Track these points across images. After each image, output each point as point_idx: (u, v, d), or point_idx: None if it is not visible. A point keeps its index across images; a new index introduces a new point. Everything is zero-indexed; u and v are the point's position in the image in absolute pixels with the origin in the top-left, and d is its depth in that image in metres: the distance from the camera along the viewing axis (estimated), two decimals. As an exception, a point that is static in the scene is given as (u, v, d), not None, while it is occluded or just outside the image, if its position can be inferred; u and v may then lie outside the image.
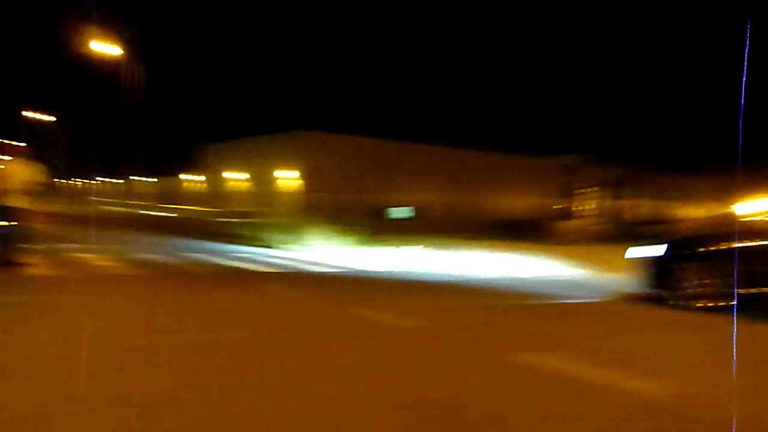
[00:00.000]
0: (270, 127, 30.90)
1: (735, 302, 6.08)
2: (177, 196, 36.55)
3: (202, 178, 34.17)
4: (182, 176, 36.66)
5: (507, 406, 3.06)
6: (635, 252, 7.41)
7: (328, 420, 2.76)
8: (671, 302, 6.63)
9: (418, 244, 15.09)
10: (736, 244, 6.33)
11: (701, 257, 6.62)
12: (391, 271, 10.39)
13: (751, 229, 6.58)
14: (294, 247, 14.67)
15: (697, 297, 6.49)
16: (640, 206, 33.32)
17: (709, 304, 6.32)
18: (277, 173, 26.63)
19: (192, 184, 35.40)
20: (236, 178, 29.97)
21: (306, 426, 2.68)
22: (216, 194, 31.61)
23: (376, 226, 22.58)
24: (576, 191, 33.97)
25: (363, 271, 10.41)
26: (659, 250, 7.03)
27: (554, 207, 32.67)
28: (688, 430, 2.83)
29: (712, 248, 6.59)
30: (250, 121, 43.88)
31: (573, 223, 27.77)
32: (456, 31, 58.87)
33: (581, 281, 9.75)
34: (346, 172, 26.20)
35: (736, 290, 6.15)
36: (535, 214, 30.22)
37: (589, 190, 32.99)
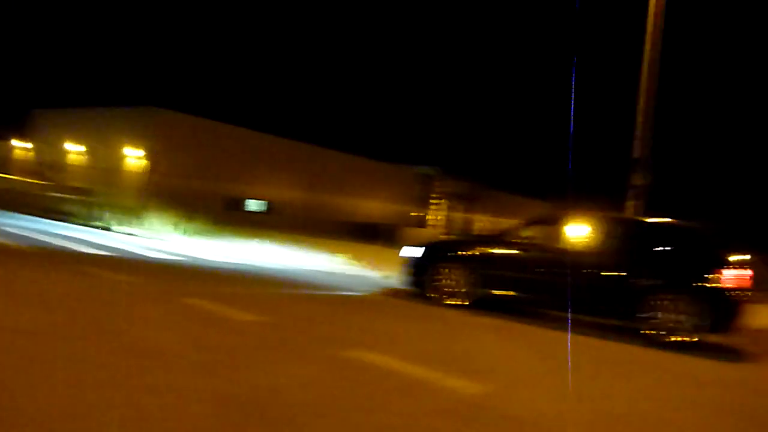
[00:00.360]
0: (118, 100, 28.74)
1: (468, 302, 7.45)
2: (6, 163, 32.51)
3: (37, 146, 30.74)
4: (14, 142, 32.64)
5: (324, 399, 3.31)
6: (405, 251, 8.45)
7: (127, 412, 2.75)
8: (431, 295, 7.71)
9: (266, 238, 15.08)
10: (475, 251, 7.71)
11: (449, 260, 7.83)
12: (231, 263, 10.36)
13: (490, 239, 8.03)
14: (134, 230, 13.92)
15: (445, 294, 7.69)
16: (483, 220, 36.25)
17: (456, 302, 7.55)
18: (122, 150, 24.84)
19: (25, 152, 31.72)
20: (76, 150, 27.42)
21: (101, 418, 2.63)
22: (52, 166, 28.63)
23: (225, 217, 22.06)
24: (431, 201, 36.02)
25: (202, 261, 10.26)
26: (419, 251, 8.18)
27: (412, 214, 34.45)
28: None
29: (458, 253, 7.88)
30: (97, 91, 40.28)
31: (423, 231, 29.50)
32: (327, 31, 59.31)
33: (369, 277, 10.56)
34: (200, 158, 25.20)
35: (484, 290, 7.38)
36: (391, 220, 31.59)
37: (440, 201, 35.18)
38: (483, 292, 7.52)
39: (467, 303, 7.51)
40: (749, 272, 6.74)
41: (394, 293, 8.43)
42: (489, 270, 7.55)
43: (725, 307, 6.53)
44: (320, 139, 31.65)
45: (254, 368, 3.74)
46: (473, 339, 5.88)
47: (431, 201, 36.47)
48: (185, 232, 14.03)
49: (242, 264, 10.39)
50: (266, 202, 29.05)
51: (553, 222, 8.01)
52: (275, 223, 25.69)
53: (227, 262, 10.38)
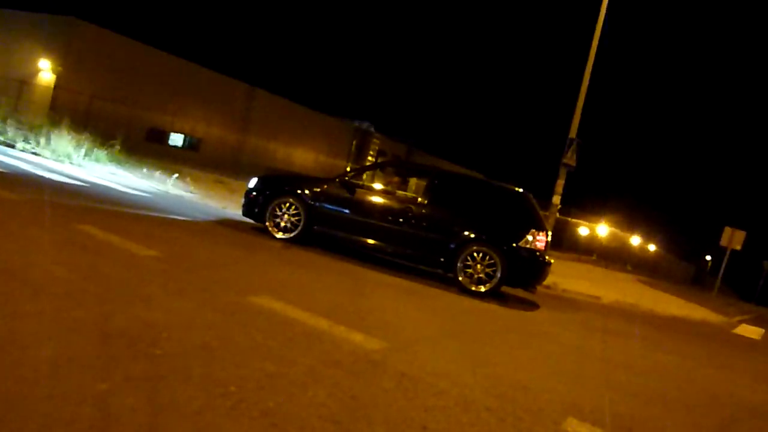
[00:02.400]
0: (35, 3, 26.54)
1: (296, 236, 8.02)
2: None
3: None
4: None
5: (212, 341, 3.38)
6: (251, 182, 8.75)
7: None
8: (269, 227, 8.15)
9: (183, 175, 14.62)
10: (315, 189, 8.19)
11: (286, 194, 8.22)
12: (135, 194, 10.03)
13: (332, 180, 8.41)
14: (40, 150, 13.11)
15: (278, 228, 8.16)
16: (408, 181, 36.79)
17: (287, 236, 8.08)
18: (36, 63, 23.08)
19: None
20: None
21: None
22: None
23: (145, 148, 21.15)
24: (367, 158, 36.03)
25: (106, 189, 9.87)
26: (252, 182, 8.59)
27: (347, 170, 34.45)
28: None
29: (286, 188, 8.30)
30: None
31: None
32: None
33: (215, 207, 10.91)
34: (124, 82, 23.86)
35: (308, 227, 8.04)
36: (324, 173, 31.38)
37: (373, 157, 35.24)
38: (319, 230, 8.07)
39: (294, 236, 8.07)
40: (548, 237, 7.93)
41: (233, 223, 8.82)
42: (327, 210, 8.08)
43: (532, 266, 7.66)
44: (258, 80, 30.78)
45: (151, 305, 3.68)
46: (341, 289, 6.03)
47: (368, 157, 36.52)
48: (97, 158, 13.36)
49: (145, 195, 10.11)
50: (193, 138, 28.07)
51: (396, 171, 8.98)
52: (198, 161, 24.91)
53: (131, 193, 10.05)
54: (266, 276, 5.64)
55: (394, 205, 8.10)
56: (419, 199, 8.09)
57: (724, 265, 19.05)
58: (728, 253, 18.29)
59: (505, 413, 3.25)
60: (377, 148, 36.19)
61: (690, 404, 4.52)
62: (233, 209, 10.80)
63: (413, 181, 9.63)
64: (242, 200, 8.68)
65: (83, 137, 13.52)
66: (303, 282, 5.79)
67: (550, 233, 8.26)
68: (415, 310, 5.74)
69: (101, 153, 13.66)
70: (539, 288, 8.31)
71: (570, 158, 11.96)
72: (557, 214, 12.53)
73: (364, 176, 8.99)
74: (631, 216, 45.44)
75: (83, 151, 13.11)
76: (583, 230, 38.46)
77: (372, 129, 36.63)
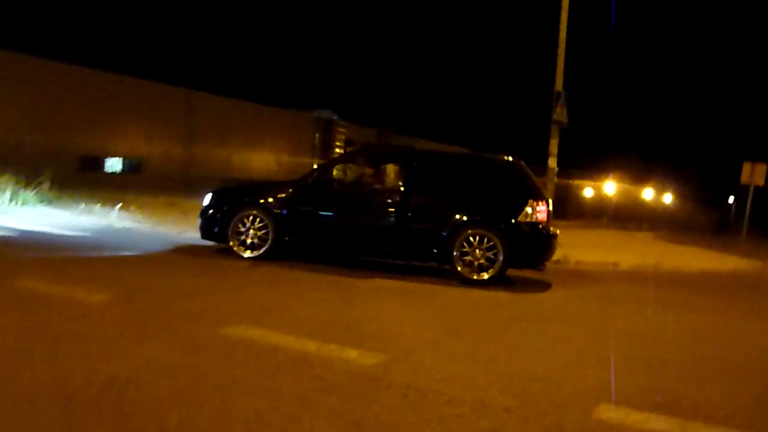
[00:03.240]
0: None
1: (263, 252, 8.00)
2: None
3: None
4: None
5: (186, 385, 3.37)
6: (207, 199, 8.70)
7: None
8: (233, 246, 8.09)
9: (127, 204, 14.46)
10: (280, 195, 8.21)
11: (238, 207, 8.21)
12: (74, 234, 9.93)
13: (297, 182, 8.38)
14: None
15: (242, 244, 8.14)
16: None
17: (256, 253, 8.04)
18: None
19: None
20: None
21: None
22: None
23: (79, 180, 20.87)
24: (335, 150, 35.98)
25: (40, 234, 9.75)
26: (207, 199, 8.57)
27: (314, 167, 34.30)
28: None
29: (246, 199, 8.31)
30: None
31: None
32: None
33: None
34: (38, 108, 23.50)
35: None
36: (289, 174, 31.28)
37: (341, 148, 35.22)
38: (292, 240, 8.10)
39: (264, 252, 8.03)
40: (549, 206, 7.99)
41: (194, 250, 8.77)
42: (297, 216, 8.11)
43: (536, 242, 7.75)
44: (198, 82, 30.52)
45: (111, 355, 3.65)
46: (325, 303, 6.05)
47: (336, 150, 36.48)
48: (24, 201, 13.17)
49: (86, 234, 10.01)
50: (133, 159, 27.80)
51: (367, 160, 9.01)
52: (143, 184, 24.69)
53: (69, 234, 9.94)
54: (238, 302, 5.62)
55: (372, 198, 8.13)
56: (399, 188, 8.12)
57: (749, 205, 19.37)
58: (752, 190, 18.58)
59: (527, 411, 3.28)
60: (344, 137, 36.12)
61: (730, 369, 4.60)
62: (191, 233, 10.72)
63: (390, 168, 9.66)
64: (198, 221, 8.63)
65: (3, 180, 13.30)
66: (282, 302, 5.78)
67: (551, 201, 8.34)
68: (412, 313, 5.77)
69: (28, 195, 13.45)
70: (548, 265, 8.38)
71: (560, 114, 12.07)
72: (556, 179, 12.66)
73: (334, 172, 8.99)
74: (640, 168, 46.01)
75: (7, 195, 12.91)
76: (588, 191, 38.83)
77: (335, 117, 36.58)
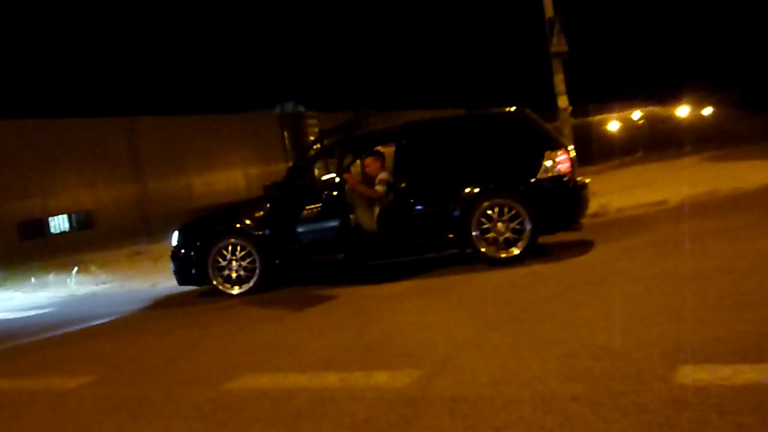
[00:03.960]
0: None
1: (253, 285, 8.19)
2: None
3: None
4: None
5: None
6: (175, 238, 8.73)
7: None
8: (218, 285, 8.24)
9: (75, 267, 14.49)
10: (261, 213, 8.31)
11: (213, 239, 8.30)
12: (22, 317, 9.96)
13: (279, 191, 8.36)
14: None
15: (227, 280, 8.25)
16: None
17: (246, 287, 8.18)
18: None
19: None
20: None
21: None
22: None
23: (20, 249, 20.89)
24: (312, 147, 36.03)
25: None
26: (174, 238, 8.66)
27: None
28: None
29: (220, 228, 8.41)
30: None
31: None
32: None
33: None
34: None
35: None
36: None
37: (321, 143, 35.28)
38: (283, 263, 8.18)
39: (254, 284, 8.19)
40: (570, 153, 7.93)
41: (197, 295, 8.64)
42: (282, 234, 8.16)
43: (563, 198, 7.76)
44: (136, 107, 30.57)
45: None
46: (338, 325, 6.06)
47: (313, 147, 36.56)
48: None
49: (45, 311, 10.05)
50: (81, 213, 27.84)
51: (347, 150, 8.89)
52: (99, 239, 24.74)
53: (25, 316, 9.97)
54: (239, 348, 5.63)
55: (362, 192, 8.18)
56: (391, 173, 8.14)
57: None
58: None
59: (597, 395, 3.29)
60: (316, 129, 36.20)
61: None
62: (166, 282, 10.76)
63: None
64: (171, 266, 8.66)
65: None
66: (288, 336, 5.79)
67: (571, 148, 8.35)
68: (441, 314, 5.78)
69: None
70: (584, 221, 8.39)
71: (558, 43, 12.07)
72: (572, 120, 12.66)
73: (315, 171, 9.01)
74: (667, 84, 45.94)
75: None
76: (612, 125, 38.84)
77: (301, 109, 36.61)
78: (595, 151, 32.87)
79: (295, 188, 8.31)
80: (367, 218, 8.04)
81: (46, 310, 10.32)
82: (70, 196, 27.09)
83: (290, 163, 35.06)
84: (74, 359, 6.20)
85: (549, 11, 12.16)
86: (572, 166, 7.90)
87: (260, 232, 8.14)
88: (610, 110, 39.09)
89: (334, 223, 7.97)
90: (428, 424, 3.26)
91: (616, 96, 41.06)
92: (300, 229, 8.09)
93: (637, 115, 39.66)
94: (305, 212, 8.09)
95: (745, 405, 2.91)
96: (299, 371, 4.48)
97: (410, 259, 8.56)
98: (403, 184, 7.93)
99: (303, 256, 8.11)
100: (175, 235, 8.63)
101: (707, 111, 51.24)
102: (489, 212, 7.61)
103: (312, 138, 35.68)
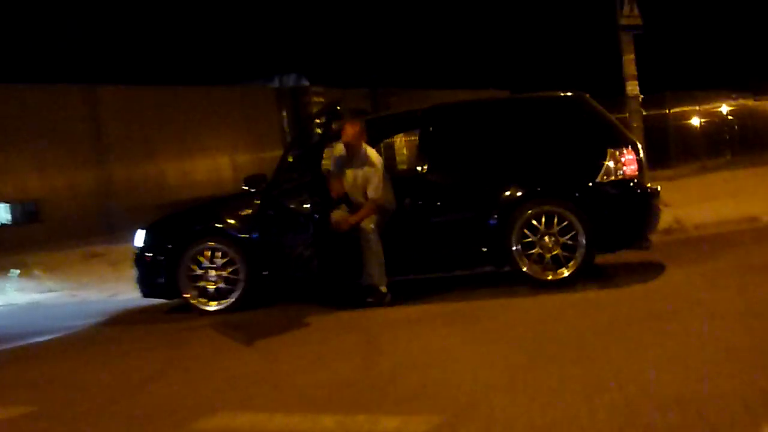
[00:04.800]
0: None
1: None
2: None
3: None
4: None
5: None
6: (139, 238, 8.74)
7: None
8: (190, 299, 8.18)
9: (16, 269, 14.56)
10: (249, 211, 8.25)
11: (188, 241, 8.26)
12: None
13: (272, 183, 8.29)
14: None
15: (203, 294, 8.18)
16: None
17: (225, 302, 8.12)
18: None
19: None
20: None
21: None
22: None
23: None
24: (314, 127, 36.08)
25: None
26: (139, 239, 8.65)
27: (289, 160, 34.08)
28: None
29: (197, 227, 8.48)
30: None
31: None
32: None
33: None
34: None
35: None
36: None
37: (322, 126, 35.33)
38: (273, 275, 8.07)
39: (236, 299, 8.13)
40: (639, 153, 7.88)
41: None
42: (274, 239, 8.03)
43: (629, 208, 7.71)
44: (99, 74, 30.74)
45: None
46: (339, 356, 6.05)
47: (316, 129, 36.59)
48: None
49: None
50: (26, 203, 28.00)
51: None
52: (47, 234, 24.84)
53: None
54: (211, 380, 5.62)
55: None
56: (417, 167, 8.11)
57: None
58: None
59: (661, 456, 3.27)
60: (327, 108, 36.34)
61: None
62: (128, 292, 10.78)
63: (400, 142, 9.58)
64: (135, 273, 8.67)
65: None
66: (275, 367, 5.79)
67: (640, 146, 8.30)
68: (468, 346, 5.76)
69: None
70: (654, 237, 8.33)
71: (630, 14, 12.02)
72: (642, 111, 12.62)
73: (323, 162, 8.90)
74: (766, 72, 45.57)
75: None
76: (694, 120, 38.60)
77: (306, 83, 36.64)
78: (671, 151, 32.69)
79: (293, 186, 8.24)
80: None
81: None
82: (12, 181, 27.18)
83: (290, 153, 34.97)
84: (7, 385, 6.23)
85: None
86: (641, 168, 7.84)
87: (245, 235, 8.11)
88: (692, 101, 38.80)
89: (332, 232, 7.92)
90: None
91: (700, 84, 40.85)
92: (294, 236, 8.05)
93: (725, 109, 39.37)
94: (302, 215, 8.05)
95: None
96: (287, 411, 4.47)
97: (433, 277, 8.52)
98: (429, 181, 7.90)
99: (296, 266, 8.07)
100: (141, 234, 8.63)
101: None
102: (534, 222, 7.58)
103: (317, 120, 35.74)
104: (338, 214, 7.84)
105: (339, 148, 8.18)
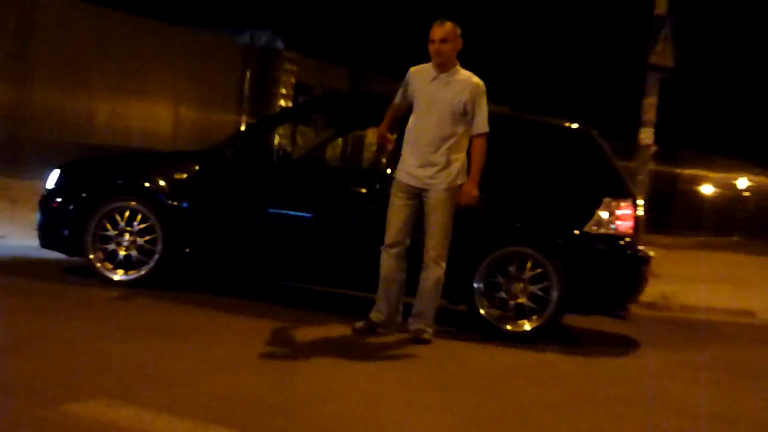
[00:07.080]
0: None
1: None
2: None
3: None
4: None
5: None
6: (51, 180, 8.64)
7: None
8: (95, 263, 8.08)
9: None
10: (181, 176, 8.26)
11: (106, 194, 8.25)
12: None
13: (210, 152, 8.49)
14: None
15: (109, 259, 8.10)
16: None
17: (133, 274, 8.08)
18: None
19: None
20: None
21: None
22: None
23: None
24: (279, 98, 35.82)
25: None
26: (52, 180, 8.56)
27: (241, 128, 33.84)
28: None
29: (120, 181, 8.45)
30: None
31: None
32: None
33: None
34: None
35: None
36: (201, 140, 31.12)
37: (288, 97, 35.11)
38: (196, 254, 8.13)
39: (146, 273, 8.07)
40: (638, 209, 7.98)
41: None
42: (206, 213, 8.16)
43: (614, 269, 7.75)
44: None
45: None
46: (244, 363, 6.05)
47: (280, 100, 36.40)
48: None
49: None
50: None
51: (332, 120, 9.05)
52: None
53: None
54: (98, 361, 5.55)
55: (333, 186, 8.17)
56: (382, 169, 8.12)
57: None
58: None
59: None
60: (293, 79, 36.03)
61: None
62: (23, 237, 10.67)
63: (372, 135, 9.58)
64: (37, 217, 8.56)
65: None
66: (172, 363, 5.73)
67: (642, 202, 8.37)
68: (397, 389, 5.77)
69: None
70: (635, 308, 8.40)
71: (662, 54, 12.13)
72: (652, 164, 12.73)
73: (276, 137, 8.92)
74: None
75: None
76: (706, 189, 39.06)
77: (280, 45, 36.49)
78: (675, 216, 33.10)
79: (241, 156, 8.21)
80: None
81: None
82: None
83: (244, 119, 35.03)
84: None
85: (661, 5, 12.21)
86: (637, 227, 7.90)
87: (174, 203, 8.04)
88: (708, 166, 39.19)
89: (278, 218, 8.00)
90: None
91: (720, 148, 41.22)
92: (232, 214, 8.01)
93: (743, 183, 39.82)
94: (245, 191, 8.03)
95: None
96: (173, 414, 4.42)
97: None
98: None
99: (225, 251, 8.05)
100: (54, 174, 8.51)
101: None
102: (506, 262, 7.61)
103: (283, 90, 35.64)
104: (469, 186, 7.23)
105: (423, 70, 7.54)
